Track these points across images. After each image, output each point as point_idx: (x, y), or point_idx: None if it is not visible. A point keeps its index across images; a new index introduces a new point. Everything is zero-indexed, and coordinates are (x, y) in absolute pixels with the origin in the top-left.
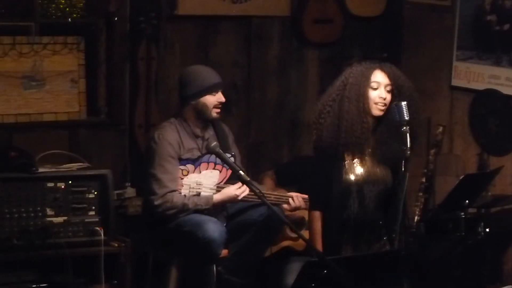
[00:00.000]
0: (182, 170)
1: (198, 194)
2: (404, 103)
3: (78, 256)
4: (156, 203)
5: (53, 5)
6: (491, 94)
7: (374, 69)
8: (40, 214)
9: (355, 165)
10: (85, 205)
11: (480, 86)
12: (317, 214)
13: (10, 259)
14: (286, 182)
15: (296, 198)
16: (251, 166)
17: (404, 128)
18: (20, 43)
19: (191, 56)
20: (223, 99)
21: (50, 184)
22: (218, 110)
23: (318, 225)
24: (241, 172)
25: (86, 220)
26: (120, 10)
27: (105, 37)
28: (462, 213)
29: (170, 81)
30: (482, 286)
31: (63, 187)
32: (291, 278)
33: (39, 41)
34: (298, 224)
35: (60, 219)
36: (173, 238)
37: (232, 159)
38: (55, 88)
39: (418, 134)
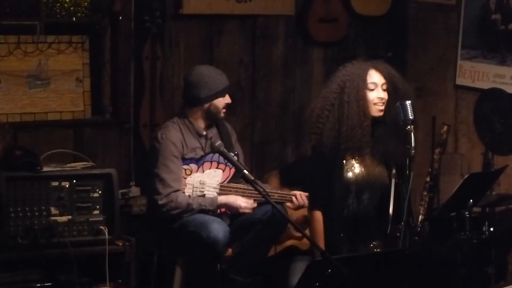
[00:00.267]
0: (185, 169)
1: (203, 195)
2: (408, 102)
3: (83, 255)
4: (160, 202)
5: (58, 4)
6: (496, 93)
7: (369, 69)
8: (44, 213)
9: (354, 164)
10: (89, 204)
11: (485, 85)
12: (317, 214)
13: (14, 258)
14: (290, 182)
15: (300, 196)
16: (255, 165)
17: (409, 127)
18: (25, 42)
19: (196, 55)
20: (230, 101)
21: (55, 183)
22: (225, 111)
23: (319, 224)
24: (245, 171)
25: (91, 219)
26: (125, 9)
27: (110, 36)
28: (467, 212)
29: (175, 80)
30: (487, 286)
31: (67, 186)
32: (295, 277)
33: (44, 40)
34: (302, 223)
35: (64, 218)
36: (178, 238)
37: (235, 158)
38: (60, 87)
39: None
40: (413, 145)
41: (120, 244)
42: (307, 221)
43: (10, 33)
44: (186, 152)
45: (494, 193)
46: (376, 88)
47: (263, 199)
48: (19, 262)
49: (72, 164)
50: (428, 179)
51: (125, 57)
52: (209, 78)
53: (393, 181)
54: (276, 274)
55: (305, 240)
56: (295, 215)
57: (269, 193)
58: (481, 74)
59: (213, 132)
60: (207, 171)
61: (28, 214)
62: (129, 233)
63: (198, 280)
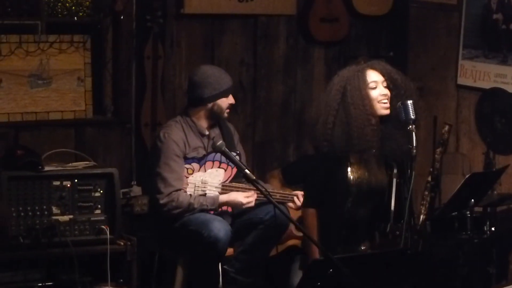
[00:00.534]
0: (187, 168)
1: (204, 194)
2: (410, 102)
3: (84, 255)
4: (161, 202)
5: (60, 4)
6: (497, 93)
7: (366, 69)
8: (46, 212)
9: (359, 166)
10: (91, 204)
11: (486, 84)
12: (310, 211)
13: (16, 258)
14: (292, 181)
15: (301, 196)
16: (257, 165)
17: (410, 127)
18: (27, 42)
19: (198, 54)
20: (233, 101)
21: (56, 183)
22: (229, 111)
23: (312, 222)
24: (247, 170)
25: (92, 218)
26: (126, 9)
27: (112, 35)
28: (468, 212)
29: (177, 79)
30: (488, 285)
31: (69, 185)
32: (297, 277)
33: (45, 40)
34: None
35: (66, 218)
36: (179, 237)
37: (237, 157)
38: (61, 86)
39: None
40: (414, 145)
41: (122, 243)
42: None
43: (12, 32)
44: (188, 152)
45: (495, 192)
46: (377, 86)
47: (265, 199)
48: (21, 261)
49: (74, 164)
50: (429, 178)
51: (127, 56)
52: (213, 78)
53: (394, 180)
54: (277, 274)
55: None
56: (296, 215)
57: (271, 193)
58: (483, 73)
59: (216, 132)
60: (209, 171)
61: (30, 213)
62: (131, 233)
63: (200, 279)
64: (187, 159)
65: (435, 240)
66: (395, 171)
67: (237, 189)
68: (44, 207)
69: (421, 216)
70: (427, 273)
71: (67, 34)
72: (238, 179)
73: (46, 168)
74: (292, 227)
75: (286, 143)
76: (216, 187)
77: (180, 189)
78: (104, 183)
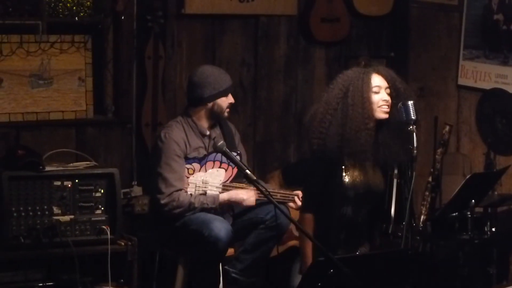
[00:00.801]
0: (188, 169)
1: (205, 193)
2: (411, 103)
3: (85, 255)
4: (162, 202)
5: (61, 4)
6: (498, 94)
7: (371, 73)
8: (47, 212)
9: (354, 170)
10: (92, 204)
11: (487, 85)
12: (308, 216)
13: (17, 258)
14: (292, 182)
15: None
16: (257, 165)
17: (411, 127)
18: (28, 42)
19: (198, 55)
20: (233, 101)
21: (57, 183)
22: (229, 110)
23: (309, 227)
24: (247, 171)
25: (93, 218)
26: (127, 9)
27: (113, 35)
28: (469, 213)
29: (177, 80)
30: (489, 285)
31: (70, 185)
32: (297, 277)
33: (46, 40)
34: None
35: (67, 218)
36: (180, 237)
37: (238, 158)
38: (62, 86)
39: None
40: (415, 145)
41: (122, 243)
42: None
43: (13, 32)
44: (189, 152)
45: (496, 193)
46: (380, 91)
47: (265, 199)
48: (22, 261)
49: (75, 164)
50: (430, 179)
51: (128, 56)
52: (213, 78)
53: (395, 181)
54: (278, 274)
55: None
56: (297, 215)
57: (272, 193)
58: (483, 74)
59: (217, 132)
60: (209, 171)
61: (31, 213)
62: (131, 233)
63: (200, 279)
64: (188, 159)
65: (435, 241)
66: (395, 171)
67: (237, 189)
68: (45, 207)
69: (422, 217)
70: (427, 273)
71: (68, 34)
72: (239, 179)
73: (47, 168)
74: (292, 227)
75: (286, 143)
76: (217, 187)
77: (181, 189)
78: (105, 183)
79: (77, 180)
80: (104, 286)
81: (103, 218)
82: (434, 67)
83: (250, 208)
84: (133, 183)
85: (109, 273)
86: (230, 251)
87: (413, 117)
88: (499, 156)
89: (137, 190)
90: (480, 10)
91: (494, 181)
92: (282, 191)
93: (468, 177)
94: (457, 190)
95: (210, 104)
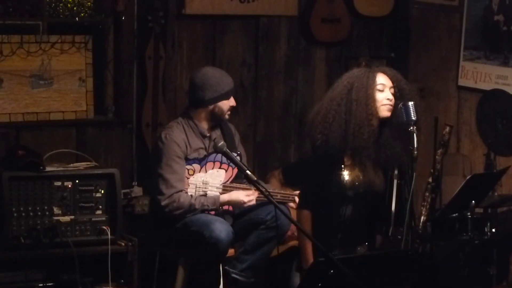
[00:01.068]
0: (188, 169)
1: (205, 195)
2: (411, 103)
3: (85, 255)
4: (163, 203)
5: (61, 4)
6: (498, 94)
7: (377, 72)
8: (47, 213)
9: (354, 170)
10: (92, 204)
11: (487, 86)
12: (305, 214)
13: (17, 258)
14: (292, 181)
15: None
16: (258, 166)
17: (412, 128)
18: (28, 42)
19: (199, 55)
20: (235, 103)
21: (58, 183)
22: (229, 113)
23: (306, 225)
24: (247, 171)
25: (93, 219)
26: (128, 9)
27: (113, 36)
28: (469, 213)
29: (178, 80)
30: (489, 286)
31: (70, 186)
32: (297, 278)
33: (47, 40)
34: None
35: (67, 218)
36: (180, 238)
37: (238, 158)
38: (62, 87)
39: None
40: (415, 146)
41: (123, 244)
42: None
43: (13, 32)
44: (189, 153)
45: (496, 194)
46: (384, 90)
47: (265, 199)
48: (22, 261)
49: (75, 164)
50: (430, 179)
51: (128, 57)
52: (214, 80)
53: (395, 181)
54: (278, 275)
55: None
56: None
57: (272, 194)
58: (484, 75)
59: (217, 133)
60: (210, 171)
61: (31, 214)
62: (132, 233)
63: (201, 280)
64: (188, 160)
65: (436, 241)
66: (395, 172)
67: (238, 189)
68: (45, 207)
69: (422, 217)
70: (427, 274)
71: (69, 34)
72: (239, 180)
73: (47, 169)
74: (293, 227)
75: (287, 143)
76: (217, 188)
77: (181, 190)
78: (105, 183)
79: (77, 181)
80: (104, 286)
81: (104, 218)
82: (434, 68)
83: (250, 209)
84: (133, 183)
85: (109, 273)
86: (231, 251)
87: (413, 118)
88: (499, 156)
89: (137, 191)
90: (481, 11)
91: (494, 182)
92: (282, 192)
93: (468, 177)
94: (457, 190)
95: (211, 107)
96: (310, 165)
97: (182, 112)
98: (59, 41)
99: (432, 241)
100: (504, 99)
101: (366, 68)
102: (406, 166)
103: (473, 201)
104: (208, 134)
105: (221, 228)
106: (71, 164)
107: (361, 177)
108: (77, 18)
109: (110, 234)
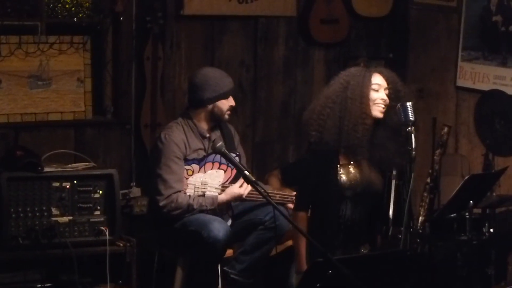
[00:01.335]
0: (187, 170)
1: (203, 195)
2: (409, 104)
3: (84, 256)
4: (161, 203)
5: (60, 5)
6: (496, 95)
7: (373, 72)
8: (45, 213)
9: (350, 169)
10: (90, 205)
11: (485, 86)
12: (301, 215)
13: (16, 259)
14: (291, 182)
15: None
16: (257, 166)
17: (410, 128)
18: (27, 43)
19: (197, 56)
20: (234, 103)
21: (56, 184)
22: (229, 113)
23: (302, 226)
24: (246, 172)
25: (92, 219)
26: (126, 10)
27: (112, 36)
28: (467, 214)
29: (176, 81)
30: (487, 286)
31: (68, 186)
32: (294, 277)
33: (45, 41)
34: None
35: (65, 219)
36: (179, 238)
37: (237, 159)
38: (61, 87)
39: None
40: (413, 146)
41: (121, 244)
42: None
43: (12, 33)
44: (188, 153)
45: (494, 194)
46: (379, 90)
47: (264, 200)
48: (20, 262)
49: (73, 165)
50: (428, 180)
51: (127, 57)
52: (214, 80)
53: (393, 182)
54: (277, 275)
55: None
56: None
57: (270, 194)
58: (482, 75)
59: (217, 134)
60: (209, 172)
61: (29, 214)
62: (130, 234)
63: (199, 281)
64: (187, 161)
65: (434, 242)
66: (394, 172)
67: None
68: (44, 208)
69: (420, 218)
70: (426, 274)
71: (67, 35)
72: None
73: (46, 169)
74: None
75: (285, 144)
76: (216, 188)
77: (180, 191)
78: (103, 184)
79: (75, 181)
80: (102, 287)
81: (102, 219)
82: (433, 68)
83: (249, 209)
84: (132, 184)
85: (108, 274)
86: (229, 252)
87: (411, 118)
88: (498, 157)
89: (136, 191)
90: (479, 11)
91: (492, 182)
92: (281, 192)
93: (466, 178)
94: (455, 191)
95: (210, 106)
96: (306, 164)
97: (182, 112)
98: (58, 41)
99: (431, 242)
100: (502, 100)
101: (363, 67)
102: (404, 167)
103: (472, 202)
104: (207, 135)
105: (219, 228)
106: (70, 165)
107: (358, 177)
108: (75, 19)
109: (109, 235)
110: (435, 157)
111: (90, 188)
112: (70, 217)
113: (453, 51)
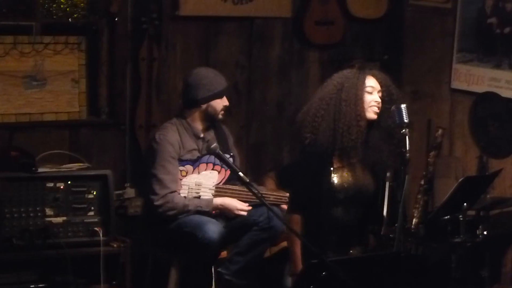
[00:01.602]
0: (181, 170)
1: (199, 197)
2: (404, 106)
3: (78, 256)
4: (156, 203)
5: (55, 5)
6: (491, 97)
7: (367, 74)
8: (40, 214)
9: (344, 171)
10: (85, 206)
11: (480, 88)
12: (295, 218)
13: (10, 259)
14: (286, 184)
15: None
16: (251, 167)
17: (404, 130)
18: (22, 43)
19: (193, 56)
20: (228, 103)
21: (50, 184)
22: (223, 113)
23: (297, 229)
24: (240, 173)
25: (86, 220)
26: (121, 10)
27: (107, 37)
28: (461, 216)
29: (171, 81)
30: None
31: (63, 187)
32: (288, 279)
33: (40, 41)
34: None
35: (60, 219)
36: (173, 239)
37: (231, 160)
38: (56, 88)
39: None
40: (408, 148)
41: (115, 245)
42: None
43: (7, 33)
44: (182, 154)
45: (488, 196)
46: (373, 92)
47: (258, 201)
48: (14, 263)
49: (68, 165)
50: (422, 182)
51: (122, 58)
52: (207, 80)
53: (387, 184)
54: (271, 276)
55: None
56: None
57: (264, 195)
58: (477, 77)
59: (211, 134)
60: (203, 172)
61: (24, 215)
62: (124, 234)
63: (193, 281)
64: (181, 161)
65: (428, 244)
66: (388, 174)
67: (231, 191)
68: (38, 208)
69: (414, 220)
70: (420, 276)
71: (62, 35)
72: (232, 181)
73: (40, 170)
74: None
75: (280, 145)
76: (210, 189)
77: (175, 191)
78: (98, 184)
79: (70, 182)
80: (96, 287)
81: (96, 219)
82: (428, 70)
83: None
84: (126, 184)
85: (102, 274)
86: (223, 253)
87: (406, 121)
88: (492, 159)
89: (130, 192)
90: (474, 13)
91: (486, 185)
92: (275, 193)
93: (460, 180)
94: (449, 193)
95: (204, 106)
96: (299, 167)
97: (177, 113)
98: (53, 42)
99: (425, 244)
100: (497, 102)
101: (357, 70)
102: (398, 169)
103: (466, 204)
104: (201, 135)
105: (214, 229)
106: (64, 165)
107: (350, 180)
108: (70, 19)
109: (103, 236)
110: (429, 159)
111: (84, 189)
112: (64, 218)
113: (448, 53)
